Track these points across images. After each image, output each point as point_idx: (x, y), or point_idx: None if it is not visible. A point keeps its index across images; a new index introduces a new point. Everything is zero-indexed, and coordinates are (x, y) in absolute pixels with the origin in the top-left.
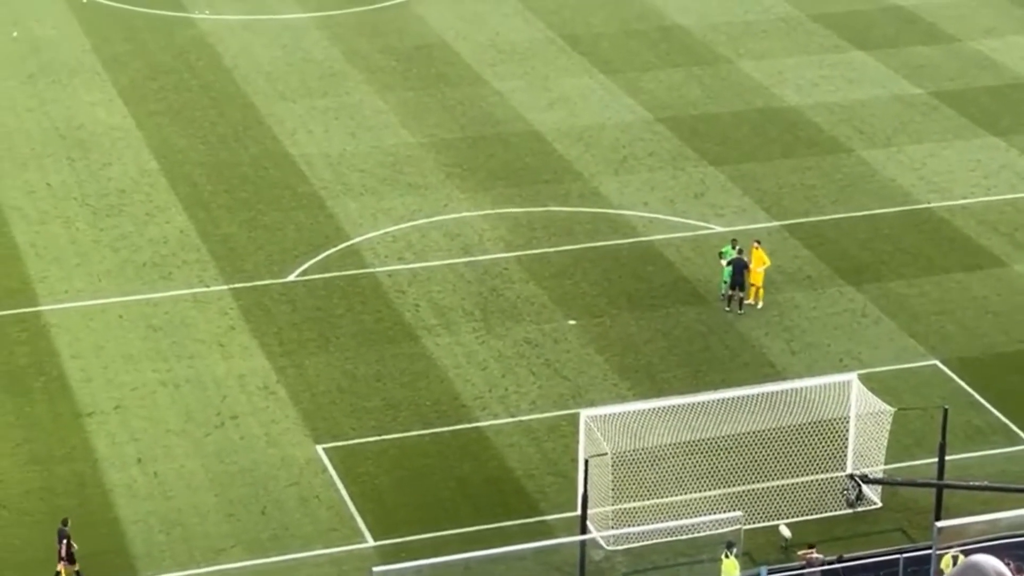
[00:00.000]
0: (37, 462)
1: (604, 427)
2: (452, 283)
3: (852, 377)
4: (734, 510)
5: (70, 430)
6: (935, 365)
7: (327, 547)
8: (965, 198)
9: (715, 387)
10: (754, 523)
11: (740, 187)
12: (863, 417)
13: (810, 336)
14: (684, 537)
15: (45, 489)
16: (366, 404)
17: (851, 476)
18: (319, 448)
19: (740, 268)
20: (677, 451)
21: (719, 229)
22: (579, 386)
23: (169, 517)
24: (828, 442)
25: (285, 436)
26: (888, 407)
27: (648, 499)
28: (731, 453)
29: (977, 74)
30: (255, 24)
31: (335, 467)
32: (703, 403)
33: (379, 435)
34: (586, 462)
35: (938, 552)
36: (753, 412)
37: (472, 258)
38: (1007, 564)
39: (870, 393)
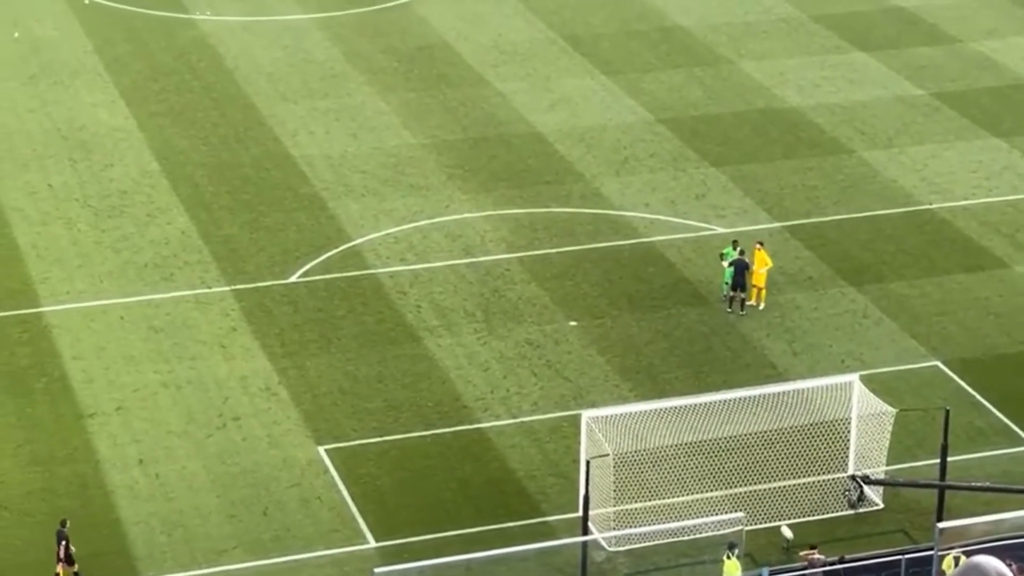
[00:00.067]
0: (38, 463)
1: (605, 428)
2: (454, 284)
3: (854, 378)
4: (736, 511)
5: (71, 431)
6: (936, 366)
7: (329, 548)
8: (966, 199)
9: (717, 388)
10: (756, 524)
11: (741, 188)
12: (865, 418)
13: (812, 337)
14: (686, 538)
15: (46, 490)
16: (368, 405)
17: (853, 477)
18: (321, 449)
19: (741, 269)
20: (679, 452)
21: (720, 230)
22: (580, 387)
23: (171, 518)
24: (830, 443)
25: (287, 437)
26: (890, 408)
27: (650, 500)
28: (733, 454)
29: (979, 75)
30: (256, 25)
31: (337, 468)
32: (705, 404)
33: (381, 436)
34: (587, 463)
35: (940, 553)
36: (755, 413)
37: (474, 259)
38: (1009, 565)
39: (872, 394)
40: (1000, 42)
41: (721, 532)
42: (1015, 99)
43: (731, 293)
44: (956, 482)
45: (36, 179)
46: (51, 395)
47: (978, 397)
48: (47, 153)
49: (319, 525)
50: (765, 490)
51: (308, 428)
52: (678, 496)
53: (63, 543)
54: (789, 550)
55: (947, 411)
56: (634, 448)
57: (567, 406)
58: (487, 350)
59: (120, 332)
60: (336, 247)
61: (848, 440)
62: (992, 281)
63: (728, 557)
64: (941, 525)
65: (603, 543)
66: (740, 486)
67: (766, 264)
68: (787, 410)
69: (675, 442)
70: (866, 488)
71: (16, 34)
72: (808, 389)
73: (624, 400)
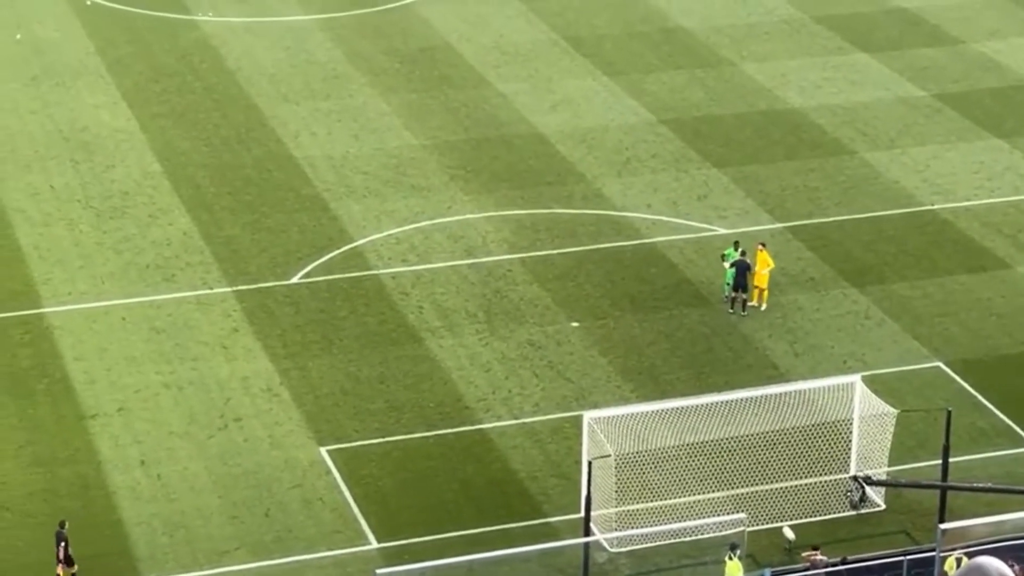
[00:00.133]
0: (40, 464)
1: (607, 429)
2: (455, 285)
3: (855, 379)
4: (738, 512)
5: (73, 432)
6: (938, 367)
7: (330, 549)
8: (968, 200)
9: (718, 389)
10: (758, 525)
11: (743, 189)
12: (866, 419)
13: (813, 338)
14: (688, 539)
15: (48, 491)
16: (369, 406)
17: (855, 478)
18: (322, 450)
19: (743, 270)
20: (680, 453)
21: (722, 231)
22: (582, 388)
23: (172, 519)
24: (831, 444)
25: (288, 438)
26: (891, 409)
27: (651, 501)
28: (734, 455)
29: (981, 76)
30: (258, 26)
31: (339, 469)
32: (706, 405)
33: (382, 437)
34: (589, 464)
35: (942, 554)
36: (756, 414)
37: (475, 260)
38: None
39: (873, 395)
40: (1002, 43)
41: (723, 533)
42: (1017, 100)
43: (733, 294)
44: (958, 483)
45: (38, 180)
46: (53, 396)
47: (980, 398)
48: (49, 154)
49: (321, 526)
50: (767, 491)
51: (310, 429)
52: (680, 497)
53: (62, 544)
54: (791, 551)
55: (949, 412)
56: (636, 449)
57: (569, 407)
58: (489, 351)
59: (122, 333)
60: (338, 248)
61: (850, 441)
62: (994, 282)
63: (730, 558)
64: (943, 526)
65: (605, 544)
66: (742, 487)
67: (768, 265)
68: (789, 411)
69: (677, 443)
70: (868, 489)
71: (18, 35)
72: (810, 390)
73: (626, 401)
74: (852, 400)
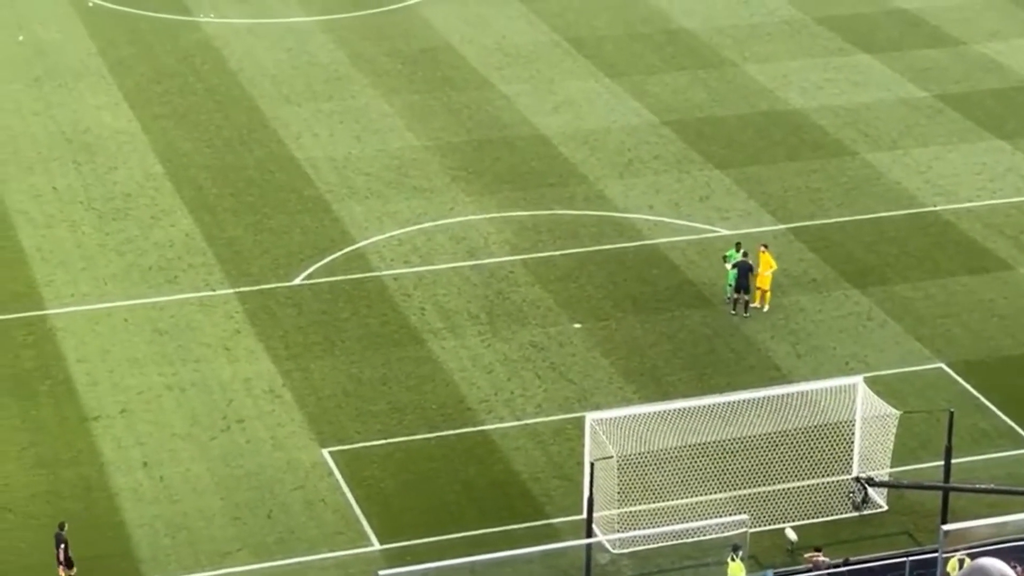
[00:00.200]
0: (43, 466)
1: (609, 430)
2: (458, 286)
3: (858, 380)
4: (740, 513)
5: (76, 434)
6: (941, 368)
7: (333, 551)
8: (970, 201)
9: (720, 390)
10: (760, 526)
11: (745, 190)
12: (869, 420)
13: (815, 339)
14: (690, 540)
15: (51, 493)
16: (372, 407)
17: (857, 479)
18: (325, 452)
19: (745, 271)
20: (683, 454)
21: (724, 232)
22: (584, 389)
23: (175, 521)
24: (834, 445)
25: (291, 440)
26: (894, 410)
27: (654, 502)
28: (737, 456)
29: (982, 77)
30: (260, 28)
31: (341, 471)
32: (708, 406)
33: (385, 438)
34: (592, 465)
35: (944, 555)
36: (758, 415)
37: (478, 261)
38: (1013, 567)
39: (876, 396)
40: (1003, 44)
41: (725, 534)
42: (1019, 101)
43: (735, 295)
44: (960, 484)
45: (40, 182)
46: (55, 398)
47: (982, 399)
48: (51, 156)
49: (323, 527)
50: (769, 492)
51: (312, 430)
52: (682, 498)
53: (62, 546)
54: (793, 552)
55: (951, 413)
56: (638, 450)
57: (571, 408)
58: (491, 352)
59: (124, 335)
60: (340, 249)
61: (852, 442)
62: (996, 283)
63: (732, 559)
64: (945, 527)
65: (607, 545)
66: (744, 488)
67: (771, 266)
68: (791, 412)
69: (679, 444)
70: (870, 490)
71: (20, 37)
72: (812, 391)
73: (628, 402)
74: (854, 401)
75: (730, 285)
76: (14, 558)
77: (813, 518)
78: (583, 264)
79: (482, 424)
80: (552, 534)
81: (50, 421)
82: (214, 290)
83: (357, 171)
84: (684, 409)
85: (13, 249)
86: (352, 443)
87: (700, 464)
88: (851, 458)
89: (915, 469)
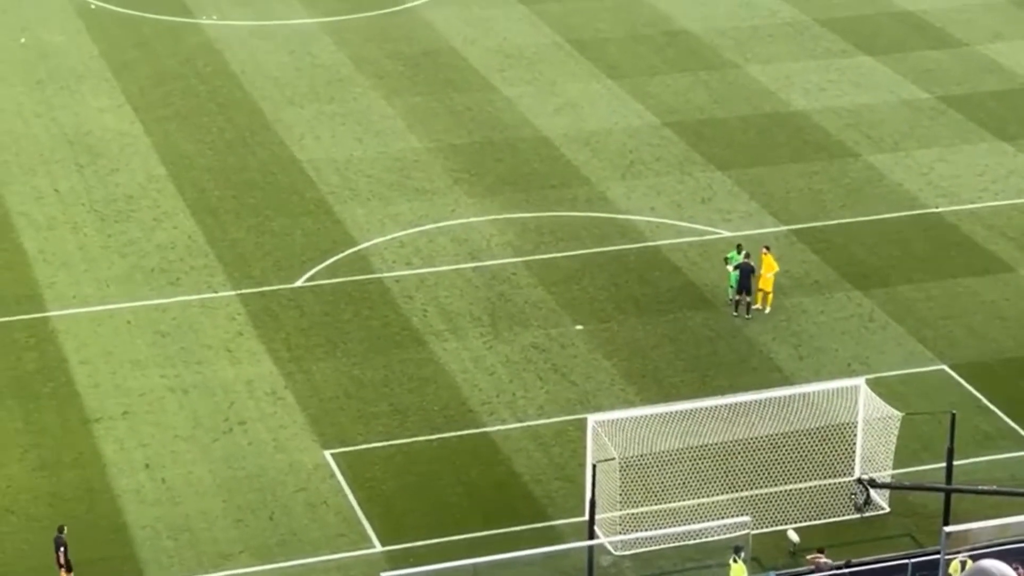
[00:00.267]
0: (45, 468)
1: (611, 432)
2: (460, 288)
3: (860, 382)
4: (742, 515)
5: (78, 436)
6: (943, 370)
7: (335, 552)
8: (973, 203)
9: (722, 392)
10: (762, 528)
11: (747, 192)
12: (871, 422)
13: (818, 341)
14: (692, 542)
15: (53, 495)
16: (374, 409)
17: (859, 481)
18: (327, 453)
19: (747, 273)
20: (684, 456)
21: (726, 234)
22: (586, 391)
23: (177, 523)
24: (836, 447)
25: (293, 441)
26: (896, 412)
27: (656, 504)
28: (739, 458)
29: (984, 79)
30: (262, 30)
31: (343, 472)
32: (710, 408)
33: (387, 440)
34: (594, 467)
35: (946, 557)
36: (760, 417)
37: (480, 263)
38: (1016, 569)
39: (878, 398)
40: (1006, 45)
41: (727, 536)
42: (1021, 102)
43: (736, 297)
44: (962, 486)
45: (43, 184)
46: (58, 400)
47: (985, 401)
48: (54, 158)
49: (325, 529)
50: (771, 494)
51: (314, 432)
52: (684, 500)
53: (62, 549)
54: (795, 554)
55: (953, 415)
56: (640, 452)
57: (573, 410)
58: (493, 354)
59: (126, 336)
60: (342, 251)
61: (854, 444)
62: (999, 285)
63: (734, 561)
64: (947, 529)
65: (609, 547)
66: (746, 490)
67: (773, 268)
68: (793, 414)
69: (681, 446)
70: (872, 492)
71: (23, 39)
72: (814, 393)
73: (630, 404)
74: (856, 403)
75: (732, 287)
76: (16, 560)
77: (815, 520)
78: (585, 266)
79: (484, 426)
80: (554, 536)
81: (52, 423)
82: (216, 292)
83: (359, 173)
84: (686, 411)
85: (15, 251)
86: (354, 445)
87: (702, 466)
88: (853, 460)
89: (917, 471)
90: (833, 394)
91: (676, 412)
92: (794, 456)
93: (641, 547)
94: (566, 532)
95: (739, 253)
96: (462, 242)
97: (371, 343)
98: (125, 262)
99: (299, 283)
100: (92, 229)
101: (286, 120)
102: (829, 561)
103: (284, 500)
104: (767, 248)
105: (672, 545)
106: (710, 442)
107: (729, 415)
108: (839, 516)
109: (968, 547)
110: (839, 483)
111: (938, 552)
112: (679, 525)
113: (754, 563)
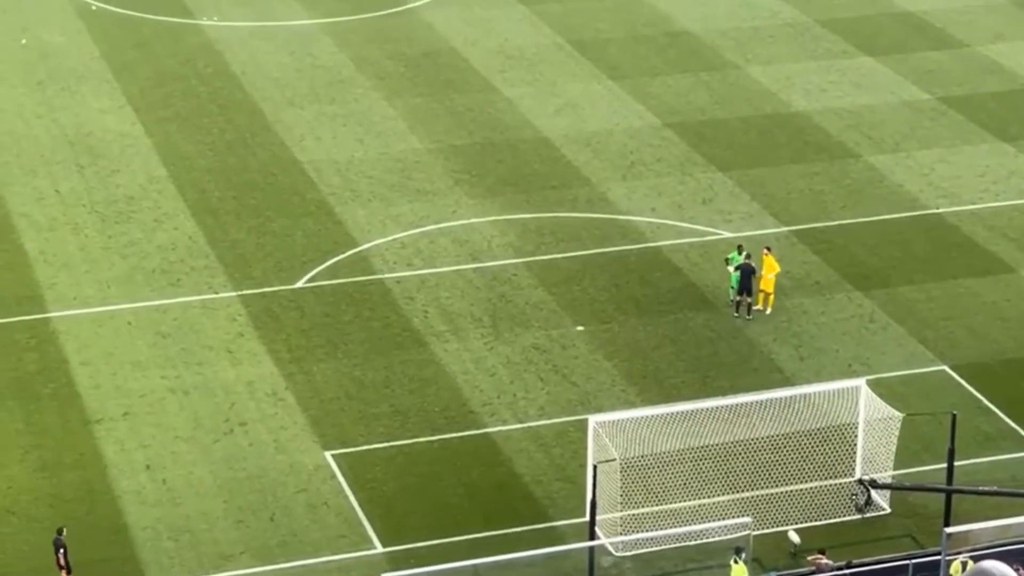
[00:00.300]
0: (46, 469)
1: (612, 433)
2: (461, 289)
3: (861, 383)
4: (743, 516)
5: (79, 437)
6: (944, 371)
7: (336, 553)
8: (974, 203)
9: (723, 393)
10: (763, 529)
11: (748, 192)
12: (872, 423)
13: (819, 342)
14: (693, 543)
15: (54, 496)
16: (374, 410)
17: (860, 481)
18: (328, 454)
19: (748, 273)
20: (685, 457)
21: (727, 235)
22: (587, 392)
23: (178, 524)
24: (837, 448)
25: (294, 442)
26: (897, 413)
27: (657, 505)
28: (740, 459)
29: (985, 79)
30: (263, 31)
31: (344, 473)
32: (711, 409)
33: (388, 441)
34: (595, 468)
35: (947, 558)
36: (762, 418)
37: (480, 264)
38: (1017, 570)
39: (879, 399)
40: (1007, 46)
41: (728, 537)
42: (1022, 103)
43: (737, 298)
44: (963, 487)
45: (44, 185)
46: (58, 401)
47: (985, 402)
48: (54, 159)
49: (326, 530)
50: (772, 494)
51: (315, 433)
52: (685, 501)
53: (61, 551)
54: (796, 555)
55: (954, 416)
56: (641, 453)
57: (574, 411)
58: (494, 355)
59: (127, 337)
60: (343, 252)
61: (855, 445)
62: (999, 286)
63: (735, 561)
64: (948, 530)
65: (610, 548)
66: (747, 490)
67: (774, 269)
68: (794, 415)
69: (682, 447)
70: (873, 492)
71: (24, 40)
72: (815, 394)
73: (631, 405)
74: (857, 404)
75: (733, 288)
76: (17, 561)
77: (816, 521)
78: (586, 267)
79: (485, 427)
80: (555, 537)
81: (53, 424)
82: (217, 293)
83: (360, 174)
84: (687, 412)
85: (16, 252)
86: (355, 446)
87: (703, 467)
88: (854, 461)
89: (918, 472)
90: (834, 395)
91: (677, 413)
92: (795, 457)
93: (642, 548)
94: (567, 533)
95: (740, 254)
96: (463, 243)
97: (372, 344)
98: (126, 263)
99: (300, 284)
100: (93, 230)
101: (287, 121)
102: (830, 562)
103: (285, 501)
104: (768, 249)
105: (673, 546)
106: (711, 443)
107: (730, 416)
108: (840, 517)
109: (969, 548)
110: (840, 484)
111: (939, 553)
112: (680, 526)
113: (755, 564)
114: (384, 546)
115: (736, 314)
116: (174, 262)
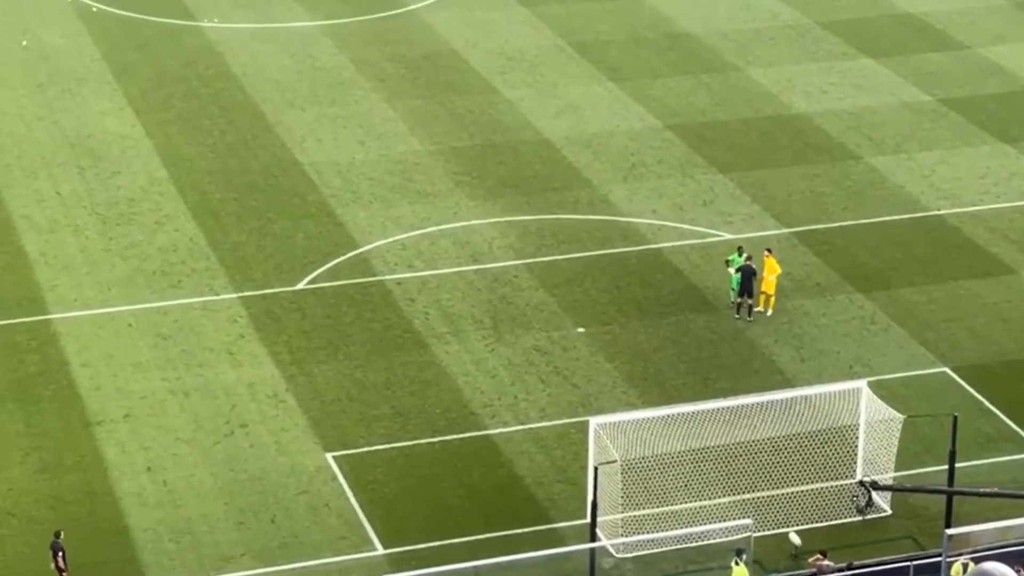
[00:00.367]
0: (47, 471)
1: (613, 435)
2: (461, 291)
3: (862, 384)
4: (744, 517)
5: (80, 439)
6: (945, 372)
7: (336, 555)
8: (975, 205)
9: (724, 394)
10: (764, 530)
11: (749, 194)
12: (873, 424)
13: (820, 343)
14: (694, 544)
15: (55, 497)
16: (375, 412)
17: (861, 483)
18: (328, 456)
19: (748, 275)
20: (686, 458)
21: (728, 236)
22: (588, 394)
23: (179, 525)
24: (838, 449)
25: (294, 444)
26: (898, 414)
27: (657, 506)
28: (741, 460)
29: (986, 81)
30: (263, 32)
31: (344, 475)
32: (712, 410)
33: (388, 443)
34: (595, 470)
35: (948, 560)
36: (762, 419)
37: (481, 266)
38: (1018, 571)
39: (880, 400)
40: (1007, 48)
41: (729, 538)
42: (1022, 105)
43: (738, 299)
44: (964, 488)
45: (44, 187)
46: (59, 402)
47: (987, 403)
48: (55, 161)
49: (327, 532)
50: (773, 496)
51: (316, 435)
52: (686, 502)
53: (59, 554)
54: (797, 556)
55: (955, 417)
56: (642, 454)
57: (575, 413)
58: (495, 357)
59: (128, 339)
60: (344, 254)
61: (856, 446)
62: (1001, 287)
63: (736, 563)
64: (949, 531)
65: (611, 549)
66: (748, 492)
67: (775, 271)
68: (795, 416)
69: (683, 448)
70: (874, 494)
71: (24, 42)
72: (816, 395)
73: (632, 406)
74: (858, 405)
75: (734, 289)
76: (17, 563)
77: (817, 522)
78: (587, 268)
79: (486, 428)
80: (556, 538)
81: (53, 426)
82: (218, 295)
83: (361, 176)
84: (688, 413)
85: (17, 254)
86: (356, 447)
87: (704, 468)
88: (855, 462)
89: (919, 473)
90: (835, 396)
91: (678, 415)
92: (796, 459)
93: (643, 549)
94: (568, 534)
95: (741, 256)
96: (464, 245)
97: (373, 346)
98: (126, 265)
99: (301, 286)
100: (94, 232)
101: (287, 123)
102: (831, 563)
103: (286, 503)
104: (769, 251)
105: (674, 547)
106: (712, 444)
107: (731, 417)
108: (841, 518)
109: (970, 549)
110: (841, 485)
111: (940, 554)
112: (681, 527)
113: (756, 566)
114: (385, 548)
115: (737, 316)
116: (175, 264)
